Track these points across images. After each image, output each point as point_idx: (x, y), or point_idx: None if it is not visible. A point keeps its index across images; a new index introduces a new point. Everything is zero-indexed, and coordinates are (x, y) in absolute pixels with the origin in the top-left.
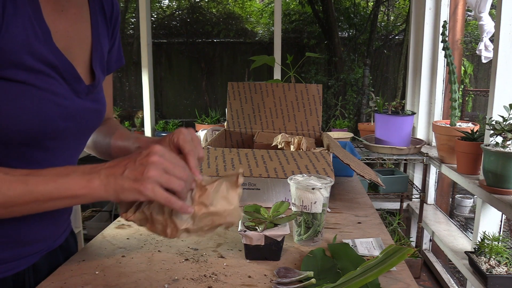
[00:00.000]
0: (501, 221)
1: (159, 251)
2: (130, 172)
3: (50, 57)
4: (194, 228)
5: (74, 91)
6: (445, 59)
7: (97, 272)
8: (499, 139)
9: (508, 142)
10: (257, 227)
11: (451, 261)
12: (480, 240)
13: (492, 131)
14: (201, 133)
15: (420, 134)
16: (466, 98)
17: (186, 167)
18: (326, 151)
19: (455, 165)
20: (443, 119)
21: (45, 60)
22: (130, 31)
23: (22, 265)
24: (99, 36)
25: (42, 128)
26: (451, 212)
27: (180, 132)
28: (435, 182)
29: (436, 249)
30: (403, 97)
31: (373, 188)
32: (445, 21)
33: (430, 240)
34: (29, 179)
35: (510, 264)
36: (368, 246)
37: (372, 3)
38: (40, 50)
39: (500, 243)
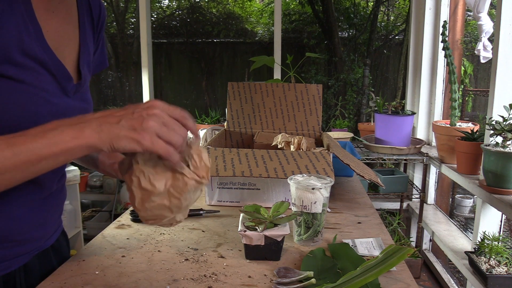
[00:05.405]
0: (501, 221)
1: (159, 251)
2: (127, 122)
3: (41, 54)
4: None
5: (63, 89)
6: (445, 59)
7: (97, 272)
8: (499, 139)
9: (508, 142)
10: (257, 227)
11: (451, 261)
12: (480, 240)
13: (492, 131)
14: (201, 133)
15: (420, 134)
16: (466, 98)
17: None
18: (326, 151)
19: (455, 165)
20: (443, 119)
21: (36, 57)
22: (130, 31)
23: (13, 265)
24: (86, 37)
25: (32, 124)
26: (451, 212)
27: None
28: (435, 182)
29: (436, 249)
30: (403, 97)
31: (373, 188)
32: (445, 21)
33: (430, 240)
34: (15, 140)
35: (510, 264)
36: (368, 246)
37: (372, 3)
38: (31, 47)
39: (500, 243)
